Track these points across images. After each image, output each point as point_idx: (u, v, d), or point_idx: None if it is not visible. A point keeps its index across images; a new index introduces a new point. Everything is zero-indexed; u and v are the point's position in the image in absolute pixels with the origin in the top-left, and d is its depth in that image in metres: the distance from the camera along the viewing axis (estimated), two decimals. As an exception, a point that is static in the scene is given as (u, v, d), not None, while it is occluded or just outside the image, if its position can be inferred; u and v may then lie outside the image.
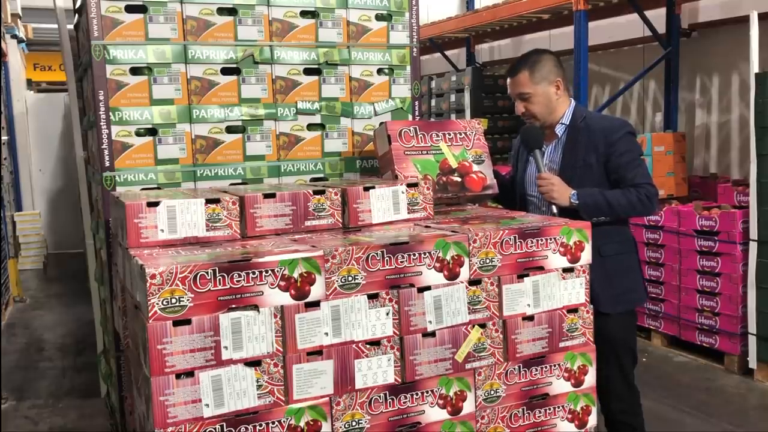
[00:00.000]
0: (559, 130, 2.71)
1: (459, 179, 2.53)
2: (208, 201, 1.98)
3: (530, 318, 2.04)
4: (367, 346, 1.85)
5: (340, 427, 1.82)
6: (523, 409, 2.06)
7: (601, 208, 2.53)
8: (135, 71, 2.48)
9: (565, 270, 2.09)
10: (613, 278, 2.59)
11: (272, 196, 2.05)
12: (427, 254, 1.90)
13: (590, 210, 2.52)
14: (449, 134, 2.59)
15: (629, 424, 2.70)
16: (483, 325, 1.99)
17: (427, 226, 2.11)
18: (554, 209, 2.58)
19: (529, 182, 2.78)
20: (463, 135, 2.61)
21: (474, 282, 1.97)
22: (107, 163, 2.47)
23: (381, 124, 2.60)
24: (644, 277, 2.91)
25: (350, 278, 1.81)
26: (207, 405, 1.67)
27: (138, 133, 2.50)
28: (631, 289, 2.68)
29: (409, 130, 2.53)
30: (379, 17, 2.80)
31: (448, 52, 8.57)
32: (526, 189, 2.81)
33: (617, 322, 2.60)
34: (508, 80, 2.73)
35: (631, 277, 2.69)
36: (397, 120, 2.77)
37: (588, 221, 2.27)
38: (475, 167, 2.57)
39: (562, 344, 2.10)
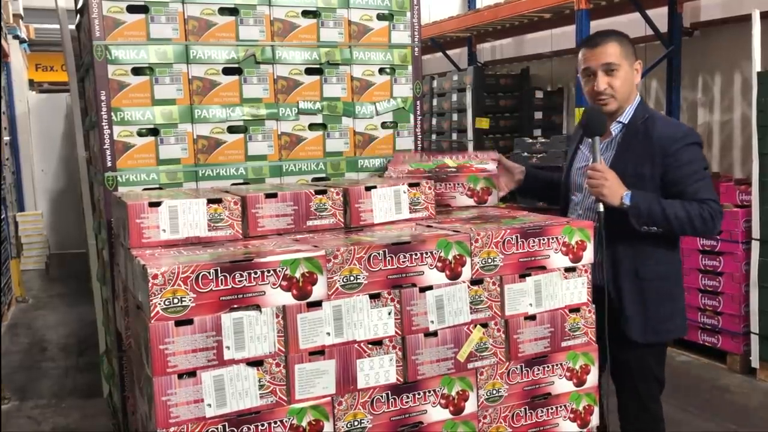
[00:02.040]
0: (615, 128, 2.41)
1: (454, 168, 2.50)
2: (210, 201, 1.98)
3: (532, 317, 2.04)
4: (369, 345, 1.85)
5: (342, 427, 1.82)
6: (525, 409, 2.06)
7: (655, 216, 2.23)
8: (137, 71, 2.48)
9: (567, 269, 2.09)
10: (648, 305, 2.35)
11: (274, 196, 2.05)
12: (429, 254, 1.90)
13: (642, 216, 2.23)
14: (458, 156, 2.56)
15: None
16: (485, 325, 1.98)
17: (428, 226, 2.11)
18: (600, 207, 2.27)
19: (575, 180, 2.52)
20: (474, 155, 2.60)
21: (476, 281, 1.97)
22: (109, 164, 2.47)
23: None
24: (685, 306, 2.52)
25: (352, 278, 1.81)
26: (209, 405, 1.67)
27: (140, 134, 2.50)
28: (668, 318, 2.40)
29: (416, 154, 2.61)
30: (380, 17, 2.80)
31: (449, 52, 8.56)
32: (570, 188, 2.55)
33: (643, 351, 2.38)
34: (588, 51, 2.38)
35: (669, 305, 2.40)
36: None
37: (638, 229, 2.16)
38: (476, 166, 2.51)
39: (564, 344, 2.09)
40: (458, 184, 2.47)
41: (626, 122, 2.39)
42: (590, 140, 2.37)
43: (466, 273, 1.95)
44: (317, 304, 1.78)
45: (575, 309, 2.11)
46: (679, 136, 2.31)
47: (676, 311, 2.43)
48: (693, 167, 2.28)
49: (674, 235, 2.32)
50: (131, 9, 2.45)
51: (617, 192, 2.23)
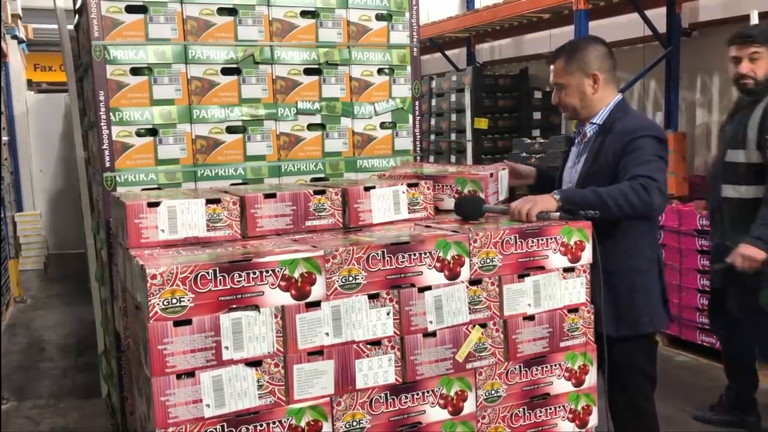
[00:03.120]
0: (590, 130, 2.51)
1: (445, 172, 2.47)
2: (209, 201, 1.98)
3: (531, 318, 2.04)
4: (368, 346, 1.85)
5: (341, 427, 1.82)
6: (523, 409, 2.06)
7: (588, 199, 2.24)
8: (135, 71, 2.48)
9: (566, 270, 2.09)
10: (620, 298, 2.36)
11: (273, 196, 2.04)
12: (428, 254, 1.90)
13: (576, 202, 2.24)
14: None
15: None
16: (484, 325, 1.98)
17: (427, 226, 2.11)
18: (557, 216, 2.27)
19: (565, 180, 2.60)
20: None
21: (475, 282, 1.97)
22: (108, 164, 2.47)
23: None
24: (666, 299, 2.53)
25: (351, 278, 1.81)
26: (208, 405, 1.67)
27: (138, 134, 2.50)
28: (641, 312, 2.40)
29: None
30: (379, 17, 2.80)
31: (448, 52, 8.56)
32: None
33: (625, 346, 2.38)
34: (551, 67, 2.58)
35: (641, 298, 2.41)
36: None
37: (579, 217, 2.16)
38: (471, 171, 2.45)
39: (562, 344, 2.09)
40: (446, 186, 2.38)
41: (600, 123, 2.49)
42: (575, 144, 2.54)
43: (465, 273, 1.95)
44: (316, 304, 1.78)
45: (574, 309, 2.11)
46: (637, 127, 2.40)
47: (653, 304, 2.44)
48: (640, 153, 2.33)
49: (613, 216, 2.27)
50: (130, 9, 2.45)
51: (543, 199, 2.23)
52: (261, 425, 1.72)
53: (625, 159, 2.34)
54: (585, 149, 2.52)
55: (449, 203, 2.35)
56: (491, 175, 2.36)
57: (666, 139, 2.45)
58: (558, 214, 2.19)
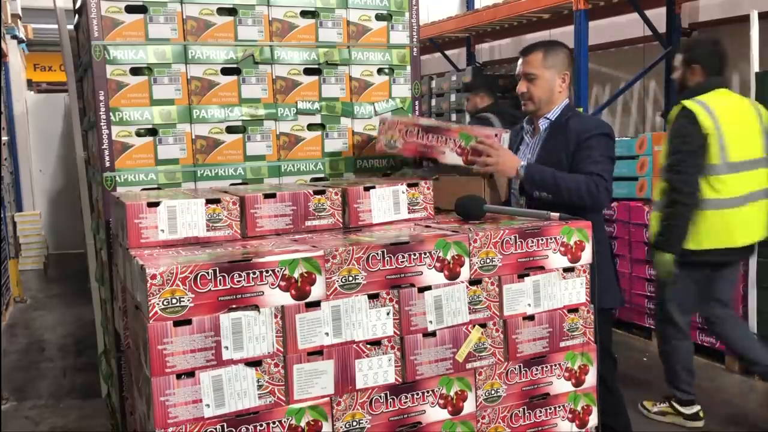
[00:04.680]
0: (543, 124, 2.71)
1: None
2: (209, 201, 1.98)
3: (531, 318, 2.04)
4: (368, 346, 1.85)
5: (341, 427, 1.82)
6: (523, 409, 2.06)
7: (545, 182, 2.47)
8: (135, 71, 2.48)
9: (566, 270, 2.09)
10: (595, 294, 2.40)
11: (272, 196, 2.04)
12: (428, 254, 1.90)
13: (535, 182, 2.48)
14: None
15: (610, 426, 2.55)
16: (483, 325, 1.98)
17: (427, 226, 2.11)
18: (514, 185, 2.59)
19: None
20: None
21: (474, 282, 1.97)
22: (107, 164, 2.47)
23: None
24: (617, 278, 2.78)
25: (351, 278, 1.81)
26: (207, 405, 1.67)
27: (138, 134, 2.50)
28: (599, 289, 2.47)
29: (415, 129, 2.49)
30: (379, 17, 2.80)
31: (448, 52, 8.57)
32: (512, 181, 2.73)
33: None
34: (521, 59, 2.74)
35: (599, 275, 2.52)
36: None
37: (531, 194, 2.36)
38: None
39: (562, 344, 2.10)
40: (449, 140, 2.44)
41: (552, 119, 2.69)
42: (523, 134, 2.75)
43: (465, 273, 1.95)
44: (316, 304, 1.78)
45: (574, 309, 2.11)
46: (591, 126, 2.61)
47: (609, 281, 2.64)
48: (594, 152, 2.54)
49: (563, 201, 2.46)
50: (130, 9, 2.45)
51: (513, 163, 2.47)
52: (261, 425, 1.72)
53: (580, 154, 2.56)
54: (538, 142, 2.71)
55: (450, 157, 2.44)
56: (496, 135, 2.45)
57: (614, 137, 2.69)
58: (515, 188, 2.56)
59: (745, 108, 3.48)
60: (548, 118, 2.70)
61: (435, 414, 1.94)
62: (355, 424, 1.84)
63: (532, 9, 6.14)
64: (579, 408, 2.14)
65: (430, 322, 1.91)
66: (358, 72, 2.79)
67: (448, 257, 1.92)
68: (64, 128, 9.23)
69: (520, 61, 2.74)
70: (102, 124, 2.44)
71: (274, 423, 1.74)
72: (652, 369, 4.44)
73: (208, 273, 1.66)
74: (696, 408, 3.65)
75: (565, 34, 6.91)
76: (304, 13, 2.68)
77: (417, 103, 2.92)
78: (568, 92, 2.72)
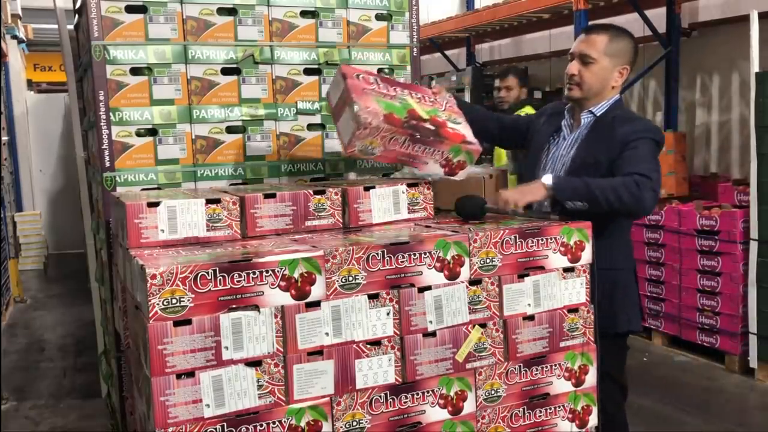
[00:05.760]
0: (586, 118, 2.45)
1: (432, 127, 2.19)
2: (209, 201, 1.98)
3: (531, 318, 2.04)
4: (368, 346, 1.85)
5: (341, 427, 1.82)
6: (523, 409, 2.06)
7: (578, 189, 2.21)
8: (135, 71, 2.48)
9: (566, 270, 2.09)
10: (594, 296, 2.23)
11: (272, 196, 2.04)
12: (428, 254, 1.90)
13: (567, 191, 2.21)
14: (416, 94, 2.29)
15: None
16: (483, 325, 1.98)
17: (427, 226, 2.11)
18: (547, 206, 2.30)
19: (542, 168, 2.51)
20: (433, 99, 2.35)
21: (474, 282, 1.97)
22: (107, 164, 2.47)
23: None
24: (641, 298, 2.53)
25: (351, 278, 1.81)
26: (207, 405, 1.67)
27: (138, 134, 2.50)
28: (620, 310, 2.38)
29: (369, 77, 2.20)
30: (379, 17, 2.80)
31: (448, 52, 8.57)
32: (538, 175, 2.47)
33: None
34: (582, 35, 2.43)
35: (619, 297, 2.38)
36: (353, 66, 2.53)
37: (566, 206, 2.17)
38: (451, 125, 2.25)
39: (562, 344, 2.09)
40: (437, 151, 2.22)
41: (597, 114, 2.43)
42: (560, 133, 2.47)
43: (465, 273, 1.95)
44: (316, 304, 1.78)
45: (574, 309, 2.11)
46: (640, 129, 2.35)
47: (627, 303, 2.42)
48: (636, 152, 2.28)
49: (601, 210, 2.22)
50: (130, 9, 2.45)
51: (535, 186, 2.24)
52: (261, 425, 1.72)
53: (624, 156, 2.30)
54: (577, 138, 2.46)
55: (432, 167, 2.26)
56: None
57: (663, 145, 2.42)
58: (546, 203, 2.22)
59: None
60: (592, 113, 2.43)
61: (435, 414, 1.93)
62: (355, 424, 1.84)
63: (532, 9, 6.14)
64: (579, 408, 2.14)
65: (430, 322, 1.91)
66: (358, 72, 2.78)
67: (448, 257, 1.92)
68: (64, 128, 9.23)
69: (580, 38, 2.42)
70: (102, 124, 2.44)
71: (274, 423, 1.74)
72: (652, 369, 4.44)
73: (208, 273, 1.66)
74: None
75: (565, 34, 6.92)
76: (304, 13, 2.68)
77: (417, 103, 2.91)
78: (618, 89, 2.46)
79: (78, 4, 2.80)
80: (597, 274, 2.22)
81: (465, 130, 2.29)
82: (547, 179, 2.24)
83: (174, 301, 1.64)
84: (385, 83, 2.25)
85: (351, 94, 2.09)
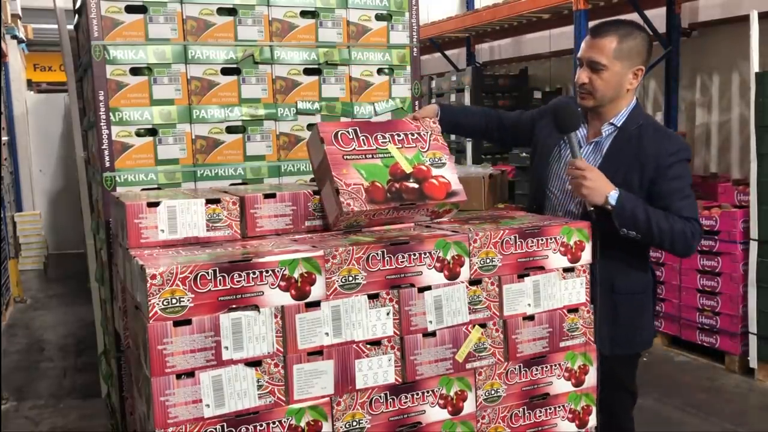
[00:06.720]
0: (606, 130, 2.28)
1: (416, 185, 2.08)
2: (209, 201, 1.98)
3: (531, 318, 2.04)
4: (368, 346, 1.84)
5: (341, 427, 1.82)
6: (523, 409, 2.06)
7: (638, 221, 2.13)
8: (135, 71, 2.48)
9: (566, 270, 2.09)
10: (620, 320, 2.27)
11: (272, 196, 2.04)
12: (428, 254, 1.90)
13: (626, 219, 2.13)
14: (398, 135, 2.14)
15: None
16: (483, 325, 1.98)
17: (427, 226, 2.11)
18: (588, 207, 2.16)
19: (553, 174, 2.38)
20: (416, 136, 2.17)
21: (474, 282, 1.97)
22: (107, 164, 2.47)
23: (312, 126, 2.25)
24: (654, 315, 2.46)
25: (350, 278, 1.81)
26: (207, 405, 1.67)
27: (138, 134, 2.50)
28: (637, 331, 2.35)
29: (347, 131, 2.09)
30: (379, 17, 2.80)
31: (448, 52, 8.57)
32: (547, 182, 2.39)
33: (611, 363, 2.25)
34: (588, 40, 2.23)
35: (639, 318, 2.35)
36: (330, 122, 2.53)
37: (618, 231, 2.11)
38: (435, 171, 2.12)
39: (562, 344, 2.09)
40: (421, 209, 2.12)
41: (619, 125, 2.27)
42: (565, 138, 2.24)
43: (465, 273, 1.95)
44: (316, 304, 1.78)
45: (574, 309, 2.11)
46: (674, 150, 2.21)
47: (645, 323, 2.38)
48: (681, 183, 2.20)
49: (649, 245, 2.24)
50: (130, 9, 2.45)
51: (602, 190, 2.13)
52: (261, 425, 1.72)
53: (665, 186, 2.19)
54: (598, 150, 2.30)
55: (417, 218, 2.15)
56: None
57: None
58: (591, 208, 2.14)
59: None
60: (614, 124, 2.27)
61: (435, 414, 1.93)
62: (355, 424, 1.84)
63: (532, 9, 6.14)
64: (579, 408, 2.14)
65: (430, 322, 1.91)
66: (358, 72, 2.79)
67: (448, 257, 1.92)
68: (64, 128, 9.23)
69: (587, 42, 2.23)
70: (102, 124, 2.44)
71: (274, 423, 1.74)
72: (652, 369, 4.44)
73: (208, 273, 1.66)
74: None
75: (564, 34, 6.92)
76: (304, 13, 2.69)
77: (417, 103, 2.92)
78: (633, 92, 2.28)
79: (78, 4, 2.80)
80: (616, 297, 2.25)
81: (449, 174, 2.14)
82: (613, 197, 2.13)
83: (174, 301, 1.64)
84: (365, 133, 2.11)
85: (331, 171, 2.02)
